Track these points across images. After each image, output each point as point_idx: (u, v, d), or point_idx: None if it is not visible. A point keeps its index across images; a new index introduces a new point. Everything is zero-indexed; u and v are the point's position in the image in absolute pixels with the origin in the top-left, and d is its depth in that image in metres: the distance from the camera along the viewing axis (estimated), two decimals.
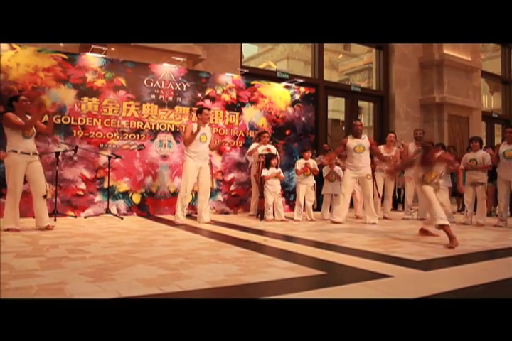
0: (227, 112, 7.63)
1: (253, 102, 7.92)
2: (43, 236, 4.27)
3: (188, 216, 6.04)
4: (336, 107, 13.91)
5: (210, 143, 5.96)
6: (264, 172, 6.44)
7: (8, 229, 4.51)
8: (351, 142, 6.25)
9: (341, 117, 12.66)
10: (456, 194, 8.22)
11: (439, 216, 4.19)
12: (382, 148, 7.21)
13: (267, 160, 6.55)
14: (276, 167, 6.58)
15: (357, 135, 6.27)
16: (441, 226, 4.19)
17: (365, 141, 6.27)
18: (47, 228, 4.73)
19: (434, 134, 11.78)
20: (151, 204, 6.84)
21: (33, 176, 4.72)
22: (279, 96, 8.24)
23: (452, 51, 12.16)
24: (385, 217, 7.06)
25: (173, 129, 7.02)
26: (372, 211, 6.28)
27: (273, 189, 6.39)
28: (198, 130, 5.66)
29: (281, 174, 6.58)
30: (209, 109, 6.14)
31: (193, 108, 7.27)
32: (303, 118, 8.46)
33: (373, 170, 6.80)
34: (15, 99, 4.71)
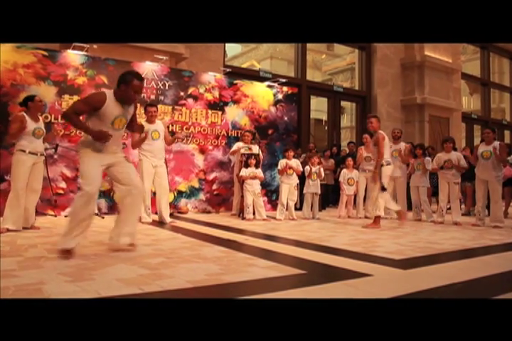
0: (209, 111, 7.61)
1: (236, 101, 7.92)
2: (21, 236, 4.20)
3: (171, 215, 6.00)
4: (318, 107, 14.01)
5: (165, 138, 5.76)
6: (242, 172, 6.46)
7: (7, 229, 4.43)
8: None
9: (324, 117, 12.74)
10: (435, 194, 8.33)
11: None
12: (362, 148, 7.28)
13: (246, 160, 6.57)
14: (257, 167, 6.59)
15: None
16: None
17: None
18: (31, 227, 4.70)
19: (415, 135, 11.94)
20: None
21: (33, 177, 4.69)
22: (262, 95, 8.25)
23: (433, 53, 12.33)
24: (366, 217, 7.12)
25: None
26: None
27: (251, 188, 6.40)
28: (143, 140, 5.45)
29: (261, 174, 6.58)
30: (153, 106, 5.82)
31: (176, 107, 7.25)
32: (285, 118, 8.48)
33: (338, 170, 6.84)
34: (30, 99, 4.67)
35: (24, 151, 4.57)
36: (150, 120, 5.70)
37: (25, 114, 4.62)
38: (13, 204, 4.52)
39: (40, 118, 4.86)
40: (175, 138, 5.89)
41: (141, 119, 6.01)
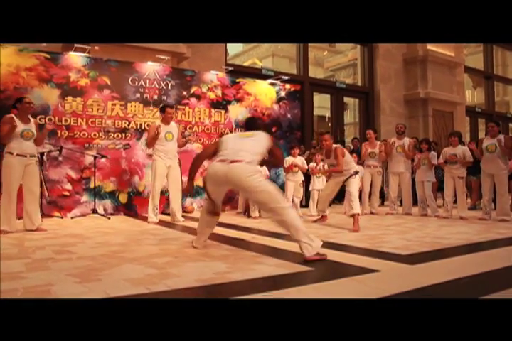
0: (212, 110, 7.62)
1: (238, 100, 7.92)
2: (28, 238, 4.23)
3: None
4: (321, 104, 13.97)
5: (177, 140, 5.90)
6: None
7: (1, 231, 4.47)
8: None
9: (327, 114, 12.71)
10: (441, 189, 8.30)
11: None
12: (366, 144, 7.27)
13: None
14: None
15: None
16: None
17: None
18: (37, 229, 4.71)
19: (419, 129, 11.89)
20: (138, 203, 6.81)
21: (28, 179, 4.71)
22: (265, 93, 8.25)
23: (435, 47, 12.27)
24: (372, 213, 7.12)
25: None
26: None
27: None
28: (158, 133, 5.58)
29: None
30: (172, 107, 6.03)
31: (179, 106, 7.25)
32: (289, 115, 8.48)
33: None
34: (19, 101, 4.71)
35: (12, 154, 4.59)
36: (166, 121, 5.80)
37: (14, 116, 4.63)
38: (5, 207, 4.56)
39: (32, 120, 4.84)
40: (186, 141, 6.08)
41: (156, 120, 6.14)
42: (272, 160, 4.07)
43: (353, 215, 5.16)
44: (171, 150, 5.78)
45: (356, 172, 5.47)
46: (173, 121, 6.08)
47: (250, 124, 3.87)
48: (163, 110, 5.82)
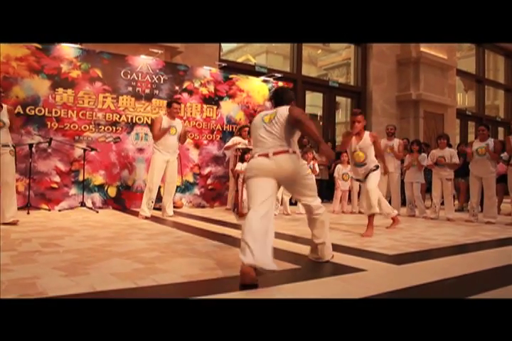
0: (204, 106, 7.60)
1: (231, 96, 7.90)
2: (15, 230, 4.18)
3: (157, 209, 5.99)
4: (313, 102, 13.96)
5: (180, 136, 5.91)
6: (238, 167, 6.44)
7: None
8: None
9: (319, 112, 12.71)
10: (429, 190, 8.37)
11: None
12: None
13: (242, 155, 6.54)
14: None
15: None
16: None
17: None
18: (12, 223, 4.49)
19: (410, 131, 11.96)
20: (127, 197, 6.78)
21: (1, 170, 4.51)
22: (257, 90, 8.24)
23: (429, 49, 12.33)
24: (360, 212, 7.15)
25: (149, 122, 6.93)
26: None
27: None
28: (165, 131, 5.70)
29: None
30: (179, 103, 6.06)
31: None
32: None
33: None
34: None
35: None
36: (172, 116, 5.83)
37: None
38: None
39: (5, 106, 4.62)
40: (186, 134, 6.04)
41: (147, 113, 6.12)
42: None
43: (369, 215, 4.77)
44: (172, 145, 5.81)
45: (377, 167, 4.86)
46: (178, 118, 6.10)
47: (276, 100, 3.16)
48: (169, 105, 5.88)
